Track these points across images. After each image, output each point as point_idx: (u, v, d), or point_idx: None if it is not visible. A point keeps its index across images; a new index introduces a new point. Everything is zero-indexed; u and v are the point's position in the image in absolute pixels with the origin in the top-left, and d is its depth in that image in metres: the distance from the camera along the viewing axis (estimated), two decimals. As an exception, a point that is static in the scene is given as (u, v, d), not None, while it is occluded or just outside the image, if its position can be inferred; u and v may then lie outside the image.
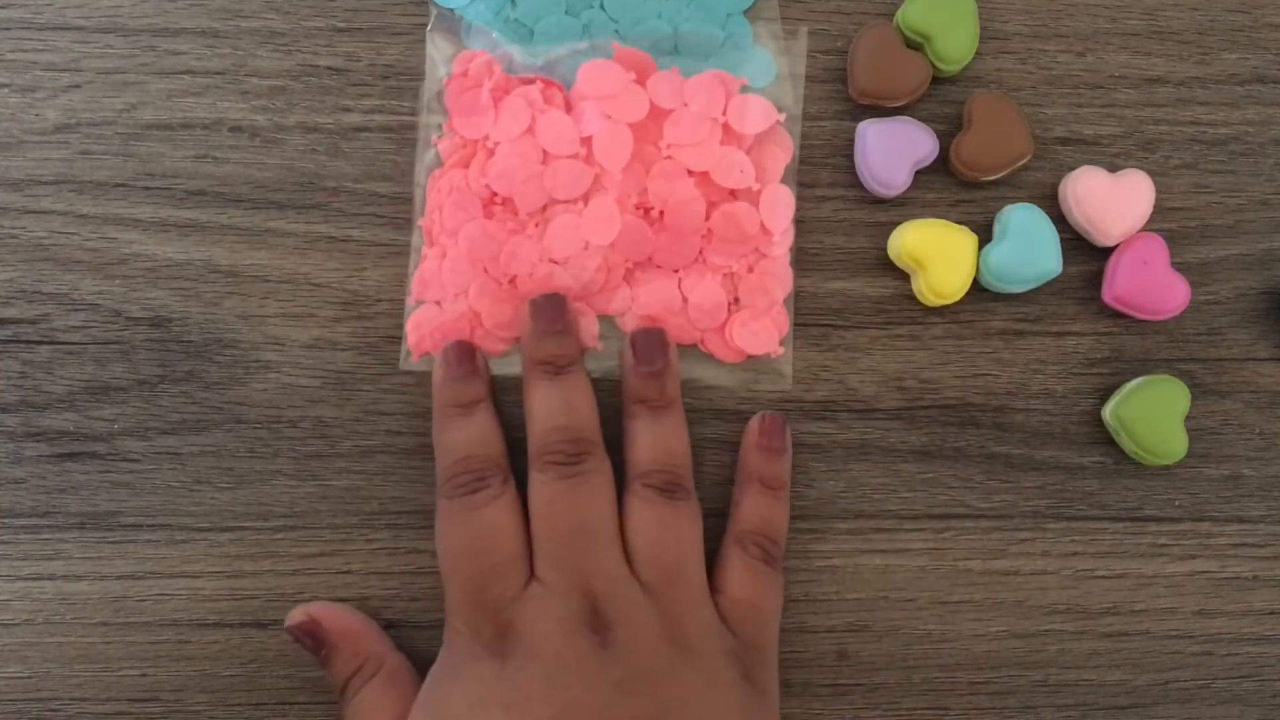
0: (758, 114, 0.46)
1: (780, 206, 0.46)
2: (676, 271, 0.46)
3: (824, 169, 0.47)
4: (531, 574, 0.42)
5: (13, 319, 0.46)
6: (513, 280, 0.46)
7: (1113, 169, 0.46)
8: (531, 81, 0.46)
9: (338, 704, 0.43)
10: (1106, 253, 0.46)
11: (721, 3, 0.47)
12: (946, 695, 0.46)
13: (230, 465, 0.46)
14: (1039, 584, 0.46)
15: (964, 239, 0.45)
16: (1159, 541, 0.46)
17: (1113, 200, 0.45)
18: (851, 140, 0.47)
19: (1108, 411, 0.45)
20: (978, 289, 0.46)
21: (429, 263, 0.46)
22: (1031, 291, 0.46)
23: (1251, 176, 0.47)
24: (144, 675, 0.45)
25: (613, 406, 0.46)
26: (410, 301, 0.46)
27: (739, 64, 0.47)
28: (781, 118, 0.46)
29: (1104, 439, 0.46)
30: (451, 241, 0.46)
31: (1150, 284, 0.45)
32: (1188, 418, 0.45)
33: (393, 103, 0.47)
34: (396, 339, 0.46)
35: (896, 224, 0.46)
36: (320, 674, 0.45)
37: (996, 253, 0.45)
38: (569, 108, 0.46)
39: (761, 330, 0.46)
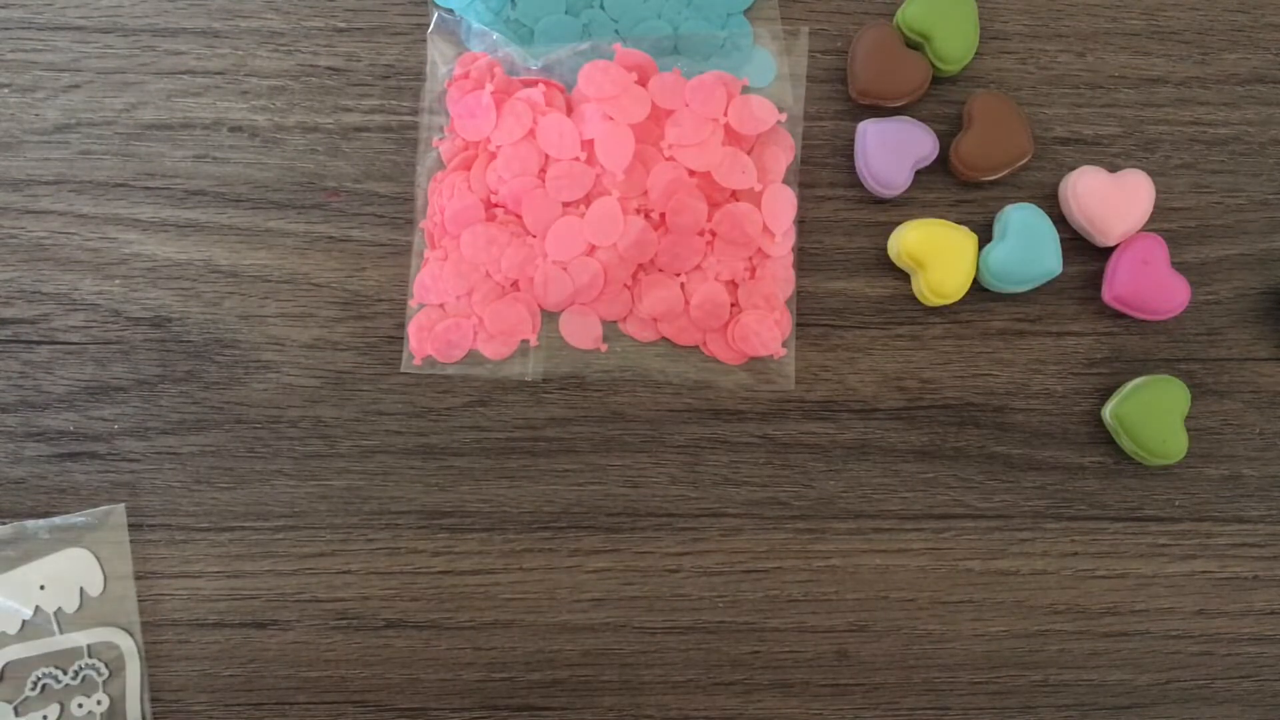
0: (759, 114, 0.46)
1: (782, 207, 0.46)
2: (679, 274, 0.46)
3: (824, 169, 0.47)
4: None
5: (13, 319, 0.46)
6: (515, 283, 0.46)
7: (1113, 169, 0.46)
8: (533, 83, 0.46)
9: (338, 703, 0.43)
10: (1106, 253, 0.46)
11: (721, 3, 0.47)
12: (946, 695, 0.46)
13: (230, 465, 0.46)
14: (1039, 584, 0.46)
15: (964, 239, 0.45)
16: (1159, 541, 0.46)
17: (1113, 200, 0.45)
18: (851, 140, 0.47)
19: (1108, 411, 0.45)
20: (978, 289, 0.46)
21: (431, 266, 0.46)
22: (1031, 291, 0.46)
23: (1251, 176, 0.47)
24: (144, 675, 0.45)
25: (618, 408, 0.46)
26: (412, 304, 0.46)
27: (739, 64, 0.47)
28: (783, 118, 0.46)
29: (1104, 439, 0.46)
30: (453, 244, 0.46)
31: (1150, 284, 0.45)
32: (1188, 418, 0.45)
33: (393, 103, 0.47)
34: (396, 339, 0.46)
35: (896, 224, 0.46)
36: (320, 674, 0.45)
37: (996, 253, 0.45)
38: (570, 110, 0.46)
39: (764, 332, 0.45)
